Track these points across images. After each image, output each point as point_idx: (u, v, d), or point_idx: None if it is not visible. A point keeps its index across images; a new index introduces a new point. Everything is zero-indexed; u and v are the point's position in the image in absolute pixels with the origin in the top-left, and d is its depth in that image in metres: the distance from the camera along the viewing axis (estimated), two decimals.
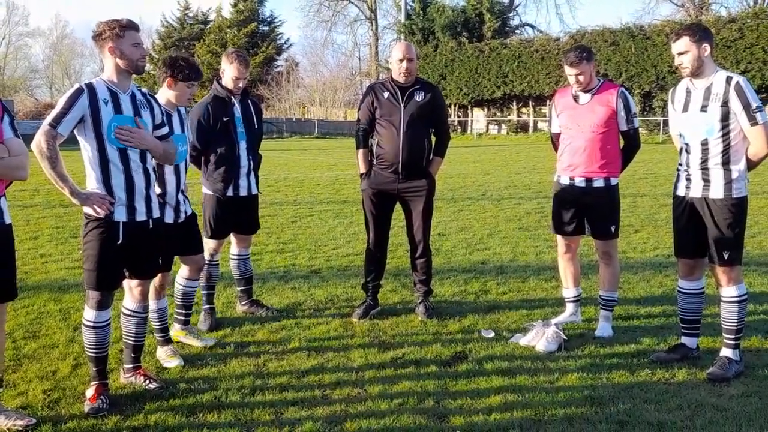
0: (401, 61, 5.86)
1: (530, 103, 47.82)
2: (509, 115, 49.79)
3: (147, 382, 4.55)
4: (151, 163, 4.33)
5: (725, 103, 4.55)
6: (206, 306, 5.91)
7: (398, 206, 6.21)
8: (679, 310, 5.13)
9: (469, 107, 51.44)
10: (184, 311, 5.52)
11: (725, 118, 4.57)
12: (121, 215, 4.19)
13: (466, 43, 50.19)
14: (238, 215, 5.92)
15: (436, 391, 4.48)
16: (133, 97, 4.24)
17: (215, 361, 5.05)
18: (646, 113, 40.57)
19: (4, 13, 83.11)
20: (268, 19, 67.08)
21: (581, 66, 5.37)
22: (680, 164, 4.88)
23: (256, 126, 5.92)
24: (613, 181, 5.56)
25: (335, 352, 5.24)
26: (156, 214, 4.39)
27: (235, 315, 6.20)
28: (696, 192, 4.76)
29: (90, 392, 4.28)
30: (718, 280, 4.82)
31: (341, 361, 5.06)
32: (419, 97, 5.93)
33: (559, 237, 5.84)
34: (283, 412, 4.21)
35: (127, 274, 4.37)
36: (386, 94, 5.95)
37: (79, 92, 4.06)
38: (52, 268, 8.00)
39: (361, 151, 6.13)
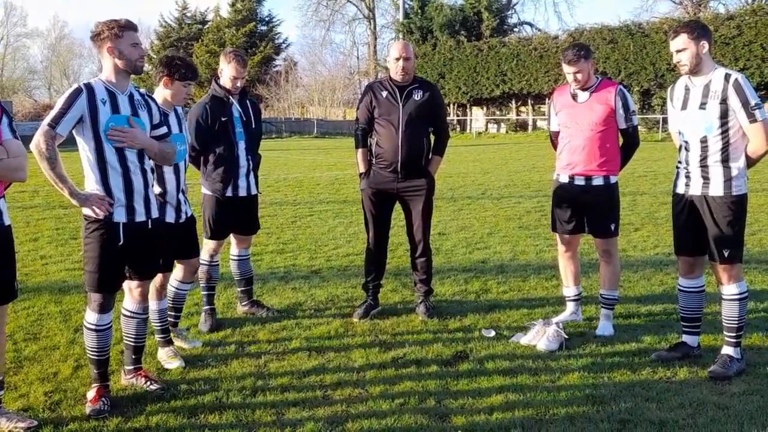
0: (398, 59, 5.86)
1: (529, 101, 47.80)
2: (508, 113, 49.78)
3: (148, 383, 4.54)
4: (149, 163, 4.33)
5: (724, 101, 4.55)
6: (207, 307, 5.91)
7: (398, 206, 6.21)
8: (679, 308, 5.12)
9: (468, 106, 51.42)
10: (174, 313, 5.47)
11: (724, 116, 4.57)
12: (120, 216, 4.18)
13: (464, 42, 50.16)
14: (237, 216, 5.91)
15: (438, 391, 4.48)
16: (131, 97, 4.23)
17: (216, 362, 5.05)
18: (645, 111, 40.56)
19: (2, 13, 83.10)
20: (267, 19, 67.00)
21: (579, 64, 5.37)
22: (680, 162, 4.88)
23: (254, 126, 5.91)
24: (613, 179, 5.55)
25: (336, 352, 5.23)
26: (155, 214, 4.39)
27: (235, 316, 6.19)
28: (696, 190, 4.76)
29: (91, 394, 4.27)
30: (719, 278, 4.81)
31: (342, 361, 5.06)
32: (418, 96, 5.92)
33: (558, 235, 5.84)
34: (284, 412, 4.20)
35: (127, 275, 4.36)
36: (385, 94, 5.95)
37: (77, 92, 4.05)
38: (53, 269, 8.00)
39: (360, 150, 6.12)
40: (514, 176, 18.43)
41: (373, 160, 6.05)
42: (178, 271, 5.37)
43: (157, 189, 4.70)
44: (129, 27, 4.16)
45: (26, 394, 4.47)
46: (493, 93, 48.58)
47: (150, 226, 4.33)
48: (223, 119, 5.67)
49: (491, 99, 49.78)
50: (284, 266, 8.11)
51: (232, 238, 6.13)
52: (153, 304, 5.02)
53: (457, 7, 52.11)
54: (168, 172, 4.91)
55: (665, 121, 32.92)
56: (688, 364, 4.85)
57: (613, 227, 5.60)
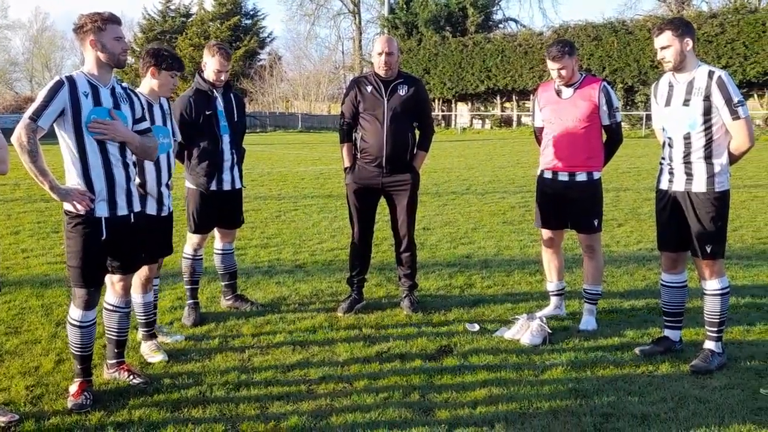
0: (381, 54, 5.85)
1: (514, 97, 47.96)
2: (493, 109, 49.91)
3: (131, 377, 4.52)
4: (131, 157, 4.30)
5: (707, 98, 4.58)
6: (190, 301, 5.88)
7: (383, 201, 6.21)
8: (662, 303, 5.16)
9: (453, 101, 51.51)
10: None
11: (707, 112, 4.60)
12: (102, 211, 4.15)
13: (449, 38, 50.21)
14: (221, 210, 5.88)
15: (422, 385, 4.49)
16: (113, 90, 4.19)
17: (200, 356, 5.03)
18: (628, 108, 40.80)
19: None
20: (251, 12, 66.78)
21: (563, 60, 5.39)
22: (663, 158, 4.91)
23: (238, 119, 5.88)
24: (596, 175, 5.58)
25: (320, 346, 5.23)
26: (137, 207, 4.36)
27: (219, 310, 6.17)
28: (679, 186, 4.79)
29: (73, 388, 4.25)
30: (701, 274, 4.85)
31: (326, 355, 5.05)
32: (403, 91, 5.92)
33: (542, 231, 5.87)
34: (268, 406, 4.20)
35: (109, 269, 4.33)
36: (370, 88, 5.94)
37: (59, 85, 4.01)
38: (34, 263, 7.93)
39: (345, 145, 6.11)
40: (498, 172, 18.48)
41: (358, 154, 6.04)
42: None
43: (136, 179, 4.66)
44: (112, 20, 4.12)
45: (7, 388, 4.44)
46: (478, 89, 48.69)
47: (132, 220, 4.30)
48: (207, 113, 5.64)
49: (476, 95, 49.90)
50: (268, 260, 8.09)
51: (216, 232, 6.11)
52: (137, 297, 5.00)
53: (442, 2, 52.14)
54: (148, 163, 4.86)
55: (649, 117, 33.14)
56: (670, 358, 4.89)
57: (596, 223, 5.63)
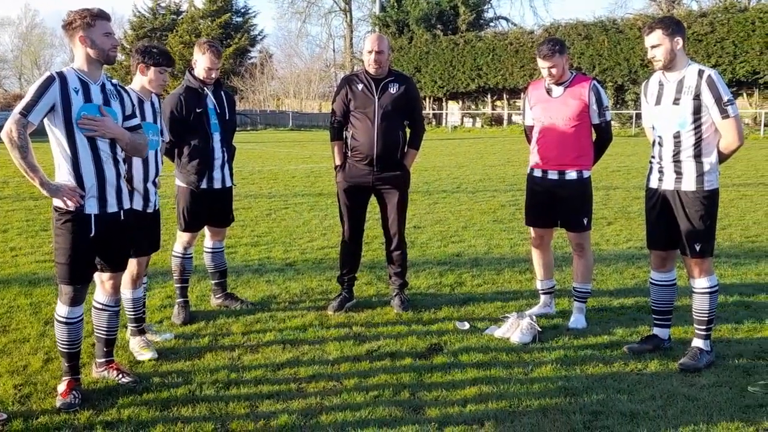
0: (371, 52, 5.84)
1: (504, 96, 48.04)
2: (484, 108, 49.97)
3: (120, 376, 4.50)
4: (122, 153, 4.28)
5: (697, 96, 4.60)
6: (180, 299, 5.86)
7: (373, 199, 6.20)
8: (651, 301, 5.18)
9: (443, 100, 51.56)
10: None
11: (697, 111, 4.61)
12: (92, 207, 4.13)
13: (440, 36, 50.26)
14: (212, 208, 5.87)
15: (412, 384, 4.49)
16: (103, 87, 4.18)
17: (189, 354, 5.02)
18: (618, 106, 40.95)
19: None
20: (242, 10, 66.61)
21: (554, 59, 5.40)
22: (653, 157, 4.93)
23: (228, 117, 5.87)
24: (586, 173, 5.59)
25: (310, 345, 5.22)
26: (126, 204, 4.34)
27: (209, 308, 6.15)
28: (668, 184, 4.80)
29: (62, 387, 4.23)
30: (690, 272, 4.87)
31: (316, 354, 5.05)
32: (394, 89, 5.91)
33: (532, 229, 5.88)
34: (258, 405, 4.19)
35: (99, 267, 4.31)
36: (361, 87, 5.93)
37: (50, 80, 3.99)
38: (23, 261, 7.89)
39: (335, 143, 6.10)
40: (488, 170, 18.51)
41: (349, 153, 6.03)
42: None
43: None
44: (101, 16, 4.10)
45: None
46: (469, 87, 48.76)
47: (122, 217, 4.29)
48: (197, 110, 5.62)
49: (467, 93, 49.97)
50: (259, 259, 8.07)
51: (206, 230, 6.09)
52: (127, 293, 4.98)
53: (433, 0, 52.15)
54: (135, 159, 4.83)
55: (639, 116, 33.25)
56: (659, 356, 4.91)
57: (585, 221, 5.64)
